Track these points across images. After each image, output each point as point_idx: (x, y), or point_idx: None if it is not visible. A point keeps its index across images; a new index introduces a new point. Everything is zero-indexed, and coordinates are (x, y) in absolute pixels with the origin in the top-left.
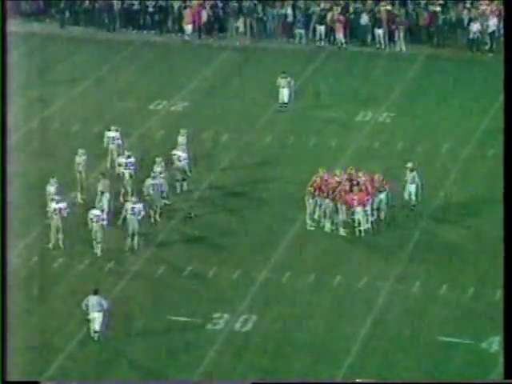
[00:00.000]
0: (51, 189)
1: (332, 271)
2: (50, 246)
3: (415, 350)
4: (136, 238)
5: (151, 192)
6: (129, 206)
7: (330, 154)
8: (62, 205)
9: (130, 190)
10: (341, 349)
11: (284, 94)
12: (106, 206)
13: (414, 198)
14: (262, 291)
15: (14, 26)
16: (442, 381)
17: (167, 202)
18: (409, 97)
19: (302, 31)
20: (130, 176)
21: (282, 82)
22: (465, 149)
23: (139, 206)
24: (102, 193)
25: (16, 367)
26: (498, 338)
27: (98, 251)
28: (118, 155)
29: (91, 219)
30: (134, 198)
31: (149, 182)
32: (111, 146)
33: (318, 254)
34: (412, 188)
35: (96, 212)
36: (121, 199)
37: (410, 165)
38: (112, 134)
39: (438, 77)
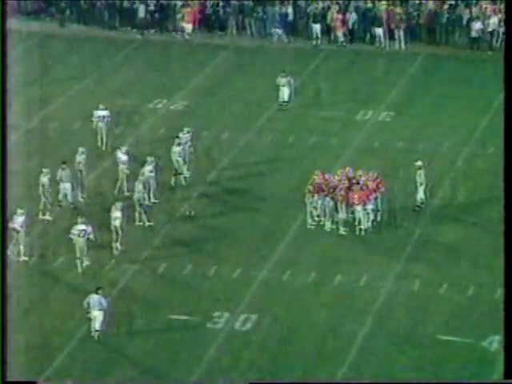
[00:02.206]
0: (44, 179)
1: (332, 270)
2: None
3: (415, 350)
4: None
5: (141, 191)
6: (77, 227)
7: (330, 153)
8: (88, 228)
9: (125, 184)
10: (341, 348)
11: (284, 93)
12: (69, 197)
13: (422, 196)
14: (262, 290)
15: (14, 24)
16: (442, 380)
17: (155, 200)
18: (409, 96)
19: (279, 30)
20: (126, 172)
21: (282, 80)
22: (465, 147)
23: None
24: (61, 182)
25: (16, 367)
26: (498, 336)
27: (79, 268)
28: (115, 150)
29: (76, 234)
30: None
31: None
32: (100, 125)
33: (318, 252)
34: (422, 187)
35: (81, 227)
36: (115, 193)
37: (419, 163)
38: (101, 112)
39: (438, 75)
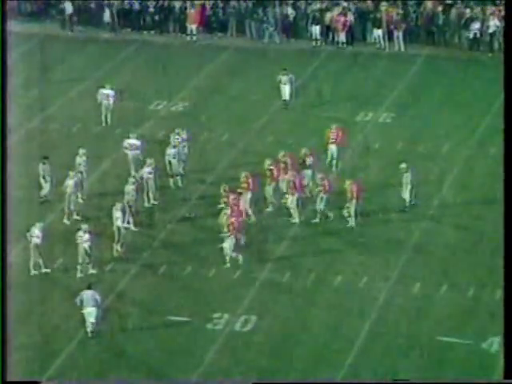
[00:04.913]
0: (70, 182)
1: (332, 271)
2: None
3: (415, 350)
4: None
5: (133, 193)
6: (80, 233)
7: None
8: (87, 235)
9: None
10: (341, 349)
11: (285, 91)
12: (47, 191)
13: (408, 199)
14: (262, 291)
15: (14, 26)
16: (442, 381)
17: (155, 202)
18: (409, 97)
19: (272, 29)
20: (134, 160)
21: (283, 78)
22: (465, 149)
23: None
24: (43, 177)
25: (16, 367)
26: (498, 338)
27: (78, 273)
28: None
29: (79, 237)
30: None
31: (129, 186)
32: (105, 102)
33: (318, 254)
34: (408, 189)
35: (80, 233)
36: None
37: (403, 165)
38: (106, 91)
39: (438, 77)
